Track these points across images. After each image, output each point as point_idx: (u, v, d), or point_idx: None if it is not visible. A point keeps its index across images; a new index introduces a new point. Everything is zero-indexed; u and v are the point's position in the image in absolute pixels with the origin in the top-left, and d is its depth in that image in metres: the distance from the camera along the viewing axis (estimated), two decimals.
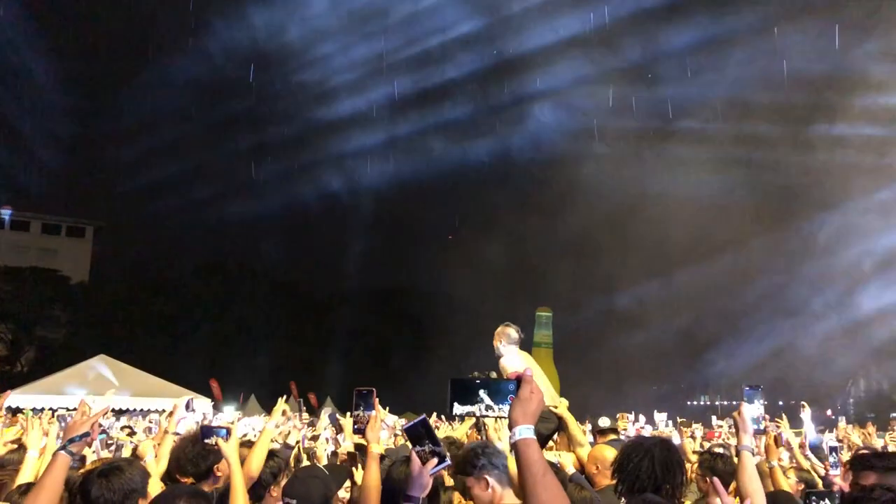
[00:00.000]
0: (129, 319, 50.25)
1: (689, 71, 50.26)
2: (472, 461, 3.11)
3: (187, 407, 5.86)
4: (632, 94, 53.11)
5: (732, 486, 4.62)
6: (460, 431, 4.91)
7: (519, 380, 2.01)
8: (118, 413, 18.85)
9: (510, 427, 1.97)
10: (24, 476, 4.23)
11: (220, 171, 71.54)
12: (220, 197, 67.41)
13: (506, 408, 2.02)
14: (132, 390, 22.01)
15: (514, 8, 55.48)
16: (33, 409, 18.32)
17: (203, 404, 23.44)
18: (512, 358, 6.66)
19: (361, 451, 4.77)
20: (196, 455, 4.23)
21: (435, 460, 2.41)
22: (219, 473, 4.27)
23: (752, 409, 3.62)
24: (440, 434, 8.35)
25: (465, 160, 62.02)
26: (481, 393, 2.05)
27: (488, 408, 2.04)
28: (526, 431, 1.94)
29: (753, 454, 3.59)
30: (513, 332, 6.82)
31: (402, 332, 57.33)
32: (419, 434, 2.44)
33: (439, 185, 65.66)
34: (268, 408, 18.83)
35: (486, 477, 3.06)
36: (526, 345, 7.30)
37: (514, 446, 1.95)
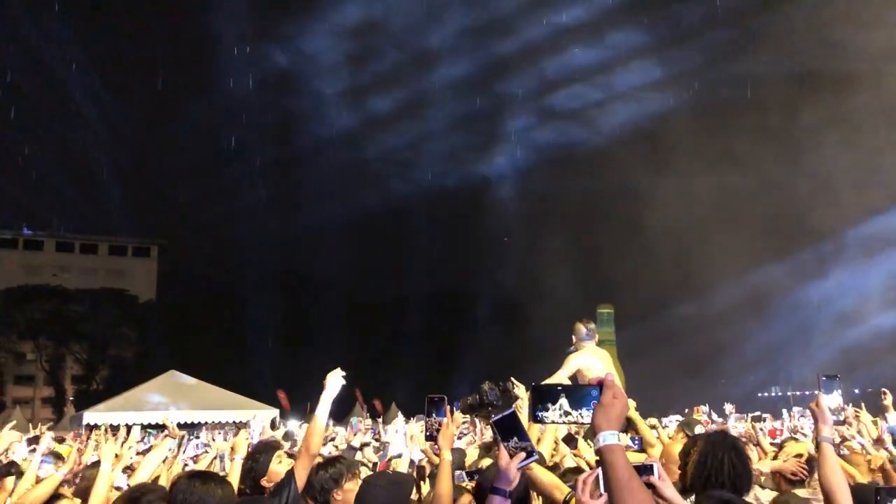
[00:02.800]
0: (197, 334, 51.41)
1: None
2: None
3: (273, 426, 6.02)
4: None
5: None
6: (544, 447, 4.76)
7: (601, 385, 1.98)
8: (190, 427, 19.26)
9: (594, 433, 1.96)
10: (98, 490, 4.40)
11: (277, 184, 72.76)
12: (277, 208, 68.66)
13: (588, 413, 2.00)
14: (203, 404, 22.51)
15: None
16: (110, 426, 18.88)
17: (272, 414, 23.87)
18: (584, 361, 6.59)
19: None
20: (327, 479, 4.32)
21: (523, 454, 2.40)
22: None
23: (831, 400, 3.49)
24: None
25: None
26: (561, 399, 2.01)
27: (566, 413, 2.01)
28: (610, 437, 1.92)
29: (834, 446, 3.46)
30: (581, 327, 6.76)
31: (467, 335, 57.37)
32: (508, 428, 2.43)
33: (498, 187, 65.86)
34: (334, 416, 19.05)
35: None
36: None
37: (599, 452, 1.93)
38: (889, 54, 41.65)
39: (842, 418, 3.82)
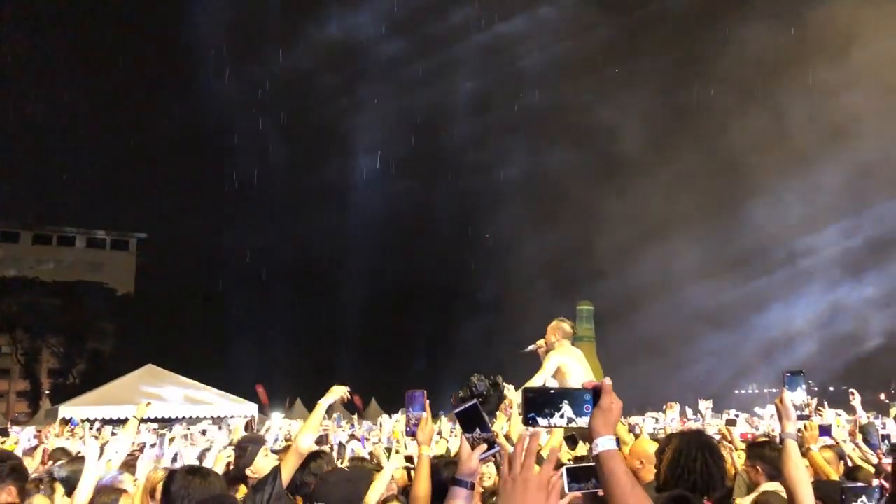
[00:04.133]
0: (176, 328, 51.06)
1: None
2: None
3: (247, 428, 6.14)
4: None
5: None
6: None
7: (595, 389, 1.97)
8: (167, 421, 19.12)
9: (590, 438, 1.94)
10: (84, 484, 4.40)
11: (258, 182, 72.37)
12: (256, 206, 68.35)
13: (583, 419, 1.97)
14: (181, 399, 22.37)
15: None
16: (86, 420, 18.72)
17: (250, 409, 23.78)
18: (564, 359, 6.72)
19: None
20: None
21: (484, 446, 2.41)
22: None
23: (795, 396, 3.53)
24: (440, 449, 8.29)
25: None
26: (564, 404, 1.97)
27: (570, 420, 1.97)
28: (609, 443, 1.90)
29: (797, 442, 3.52)
30: (567, 326, 6.97)
31: (446, 332, 57.42)
32: (470, 419, 2.44)
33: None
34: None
35: None
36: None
37: (597, 458, 1.91)
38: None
39: (806, 413, 3.86)
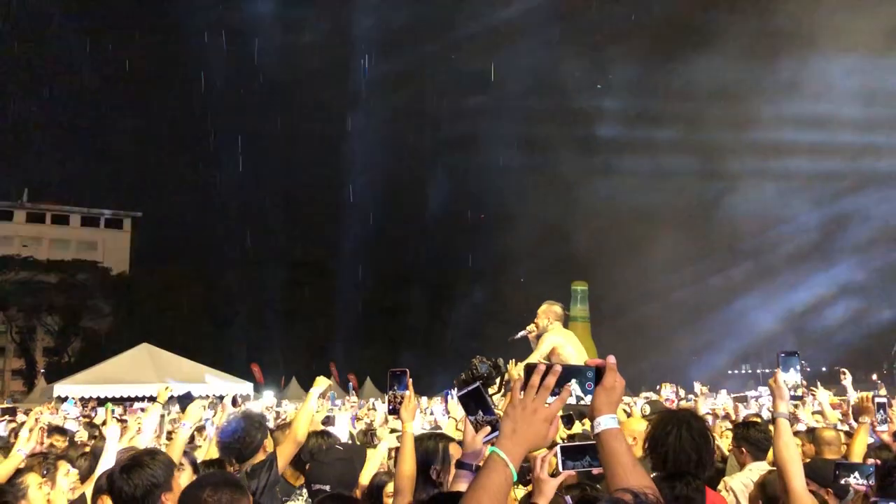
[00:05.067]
0: (171, 307, 51.04)
1: None
2: None
3: (234, 403, 6.06)
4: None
5: (770, 454, 4.59)
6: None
7: (597, 367, 1.93)
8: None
9: (591, 417, 1.90)
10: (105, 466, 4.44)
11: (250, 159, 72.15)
12: (252, 181, 68.13)
13: (589, 397, 1.92)
14: (176, 378, 22.40)
15: None
16: (81, 399, 18.77)
17: (245, 388, 23.84)
18: (558, 339, 6.78)
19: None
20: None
21: (488, 428, 2.40)
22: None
23: (789, 377, 3.55)
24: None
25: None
26: (573, 383, 1.91)
27: (578, 399, 1.92)
28: (611, 421, 1.87)
29: (790, 421, 3.56)
30: (558, 308, 7.04)
31: (440, 312, 57.51)
32: (474, 402, 2.43)
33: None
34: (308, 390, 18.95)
35: None
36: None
37: (598, 437, 1.88)
38: None
39: (799, 394, 3.89)
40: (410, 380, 3.63)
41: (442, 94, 68.32)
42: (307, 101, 72.78)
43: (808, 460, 4.74)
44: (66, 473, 4.61)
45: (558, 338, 6.88)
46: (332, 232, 67.26)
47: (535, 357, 6.80)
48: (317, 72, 70.01)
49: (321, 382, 4.88)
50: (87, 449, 6.56)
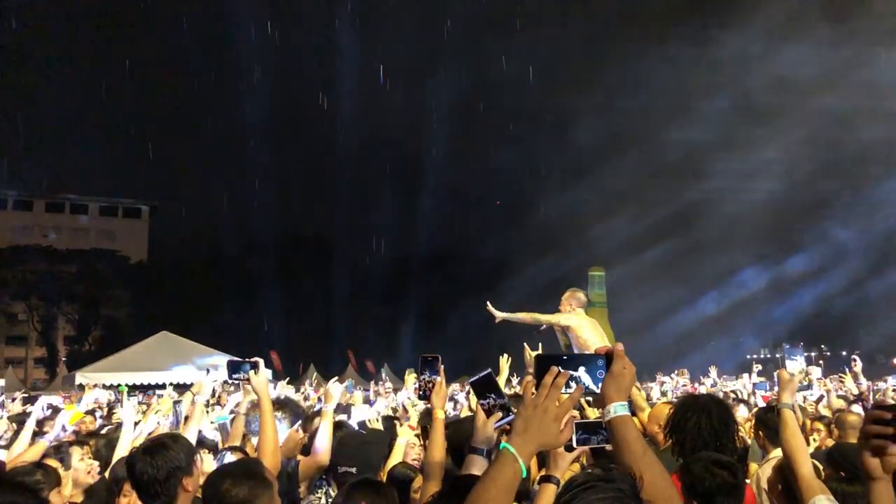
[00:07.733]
0: (189, 295, 51.36)
1: None
2: None
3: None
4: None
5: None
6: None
7: (608, 355, 1.91)
8: (182, 387, 19.30)
9: (602, 404, 1.88)
10: (121, 450, 4.57)
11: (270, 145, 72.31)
12: (269, 169, 68.28)
13: (599, 385, 1.90)
14: (195, 365, 22.57)
15: None
16: (103, 385, 18.94)
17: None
18: (578, 321, 6.81)
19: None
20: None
21: (500, 414, 2.39)
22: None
23: (794, 365, 3.55)
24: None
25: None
26: (581, 370, 1.90)
27: (590, 392, 1.91)
28: (621, 409, 1.85)
29: (794, 411, 3.56)
30: (581, 295, 7.08)
31: (456, 297, 57.53)
32: (485, 387, 2.43)
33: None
34: (327, 377, 19.09)
35: None
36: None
37: (609, 424, 1.86)
38: None
39: (806, 383, 3.89)
40: (442, 366, 3.62)
41: None
42: (307, 92, 72.67)
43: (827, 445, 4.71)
44: (81, 458, 4.65)
45: (579, 320, 6.93)
46: (353, 218, 67.47)
47: (550, 317, 6.96)
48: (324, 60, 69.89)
49: (334, 389, 4.63)
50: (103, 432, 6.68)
